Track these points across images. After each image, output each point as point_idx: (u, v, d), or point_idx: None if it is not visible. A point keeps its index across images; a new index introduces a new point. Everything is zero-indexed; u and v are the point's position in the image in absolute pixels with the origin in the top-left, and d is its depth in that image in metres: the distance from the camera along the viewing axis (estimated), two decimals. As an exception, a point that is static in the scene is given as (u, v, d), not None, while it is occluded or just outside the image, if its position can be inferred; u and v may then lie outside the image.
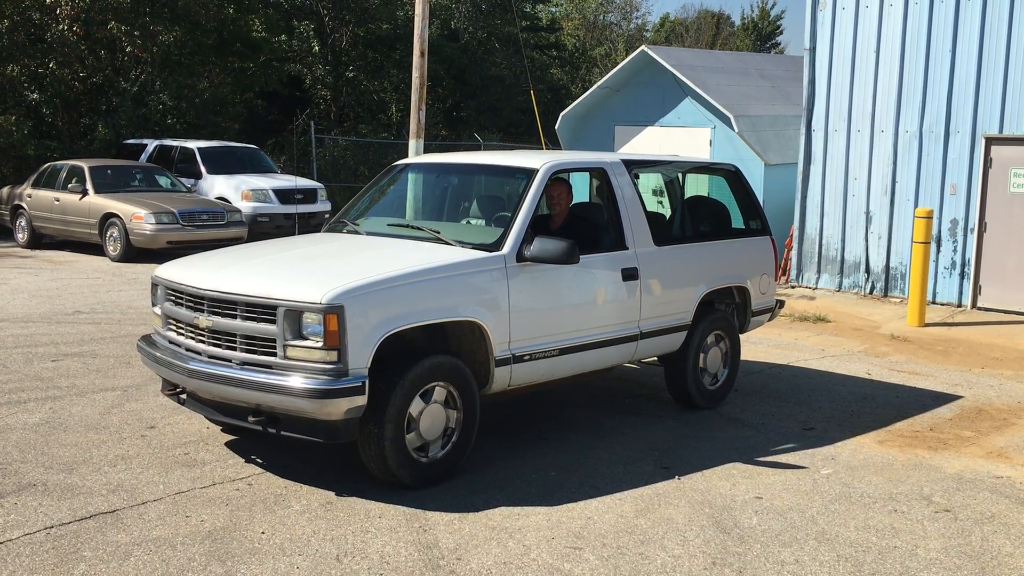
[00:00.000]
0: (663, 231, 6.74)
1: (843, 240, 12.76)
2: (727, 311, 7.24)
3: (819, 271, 13.02)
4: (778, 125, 15.11)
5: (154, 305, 5.70)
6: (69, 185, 15.14)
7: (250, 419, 4.98)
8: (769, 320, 7.76)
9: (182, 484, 5.13)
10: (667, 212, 7.78)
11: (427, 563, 4.26)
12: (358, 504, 4.91)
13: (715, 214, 7.48)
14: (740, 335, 7.35)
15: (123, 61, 21.60)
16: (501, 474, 5.46)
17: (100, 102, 21.12)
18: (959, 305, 11.76)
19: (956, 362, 8.91)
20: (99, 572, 4.06)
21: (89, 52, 21.08)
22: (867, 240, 12.53)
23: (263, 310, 4.87)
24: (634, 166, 6.64)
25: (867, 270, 12.57)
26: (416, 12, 12.88)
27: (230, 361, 5.01)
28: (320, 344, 4.70)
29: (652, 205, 7.84)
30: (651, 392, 7.47)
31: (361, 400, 4.75)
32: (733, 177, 7.58)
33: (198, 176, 16.87)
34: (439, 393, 5.16)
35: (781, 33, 52.78)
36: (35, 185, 15.88)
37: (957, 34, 11.57)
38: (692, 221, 7.23)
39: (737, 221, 7.56)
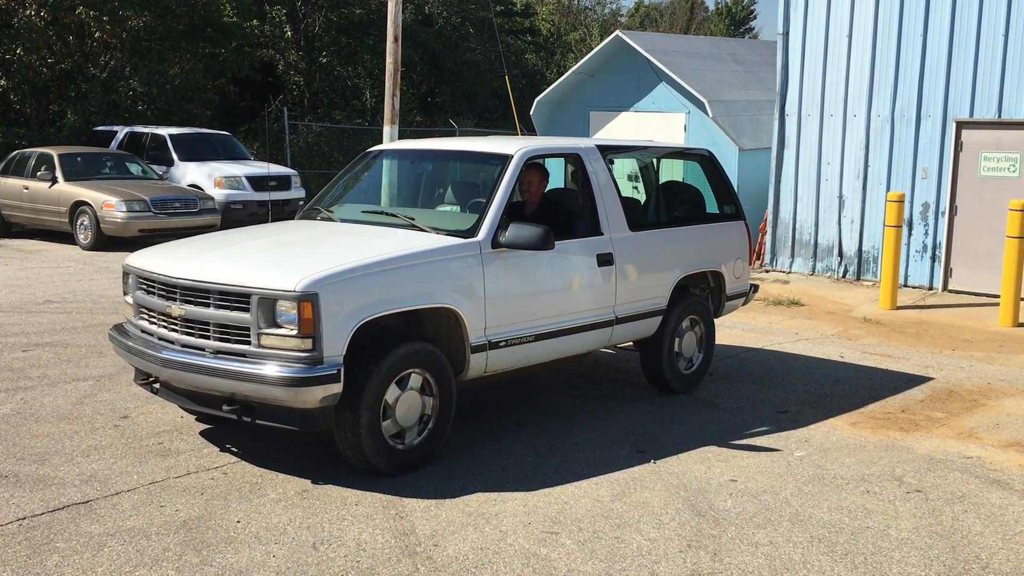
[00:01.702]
0: (638, 216, 6.75)
1: (816, 224, 12.85)
2: (702, 296, 7.26)
3: (793, 255, 13.10)
4: (752, 110, 15.16)
5: (125, 294, 5.63)
6: (38, 173, 14.95)
7: (224, 408, 4.95)
8: (743, 304, 7.80)
9: (156, 474, 5.10)
10: (642, 198, 7.80)
11: (403, 550, 4.26)
12: (334, 492, 4.90)
13: (689, 199, 7.49)
14: (715, 319, 7.37)
15: (92, 47, 21.31)
16: (478, 460, 5.47)
17: (69, 88, 20.85)
18: (930, 288, 11.88)
19: (927, 344, 9.01)
20: (73, 563, 4.03)
21: (57, 38, 20.78)
22: (840, 224, 12.62)
23: (237, 298, 4.83)
24: (609, 152, 6.64)
25: (840, 254, 12.67)
26: (389, -3, 12.78)
27: (203, 350, 4.96)
28: (295, 332, 4.67)
29: (628, 191, 7.83)
30: (628, 377, 7.50)
31: (336, 388, 4.73)
32: (707, 162, 7.58)
33: (170, 163, 16.70)
34: (415, 380, 5.14)
35: (755, 18, 53.00)
36: (3, 173, 15.67)
37: (928, 19, 11.64)
38: (666, 206, 7.24)
39: (711, 206, 7.57)
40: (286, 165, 19.98)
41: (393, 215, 5.92)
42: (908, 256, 11.92)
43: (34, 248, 14.42)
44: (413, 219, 5.74)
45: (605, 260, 6.17)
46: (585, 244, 6.11)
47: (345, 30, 29.03)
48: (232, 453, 5.47)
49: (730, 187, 7.61)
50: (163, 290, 5.19)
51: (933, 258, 11.86)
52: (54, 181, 14.66)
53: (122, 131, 17.86)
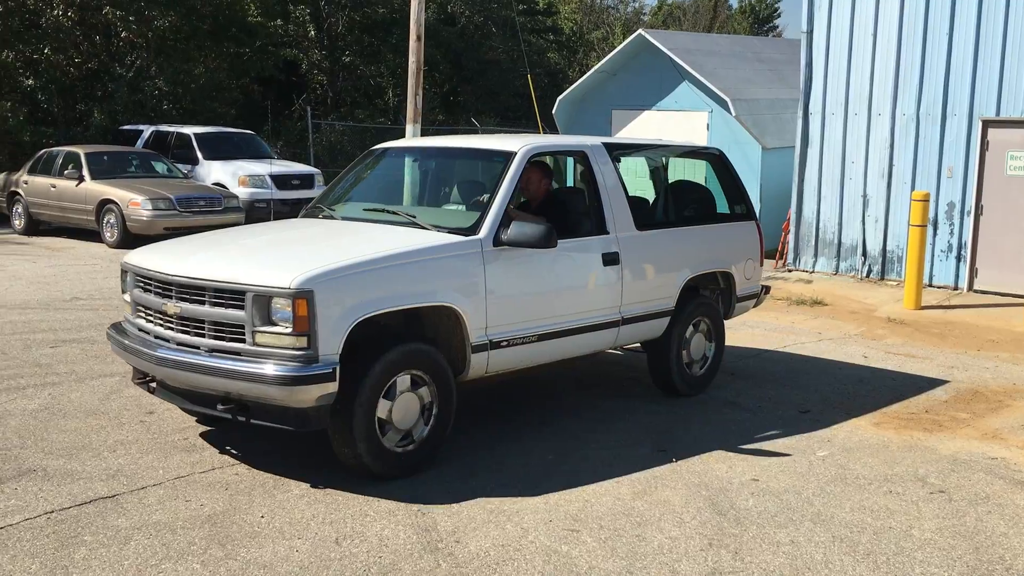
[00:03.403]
0: (646, 215, 6.66)
1: (840, 223, 12.77)
2: (711, 297, 7.16)
3: (816, 254, 13.03)
4: (775, 108, 15.09)
5: (124, 292, 5.59)
6: (65, 171, 15.12)
7: (219, 407, 4.89)
8: (755, 306, 7.70)
9: (181, 469, 5.16)
10: (651, 197, 7.68)
11: (425, 546, 4.29)
12: (357, 488, 4.93)
13: (699, 199, 7.39)
14: (725, 321, 7.27)
15: (118, 47, 21.52)
16: (499, 458, 5.49)
17: (96, 88, 21.06)
18: (955, 288, 11.78)
19: (952, 344, 8.94)
20: (100, 556, 4.09)
21: (84, 38, 21.00)
22: (864, 223, 12.55)
23: (231, 296, 4.78)
24: (616, 150, 6.54)
25: (864, 253, 12.59)
26: (412, -4, 12.83)
27: (199, 348, 4.91)
28: (289, 330, 4.61)
29: (641, 189, 7.76)
30: (649, 376, 7.48)
31: (332, 387, 4.67)
32: (717, 161, 7.48)
33: (195, 162, 16.84)
34: (412, 381, 5.06)
35: (779, 16, 52.69)
36: (31, 171, 15.86)
37: (954, 17, 11.54)
38: (676, 206, 7.14)
39: (722, 206, 7.47)
40: (309, 164, 20.09)
41: (394, 213, 5.84)
42: (933, 256, 11.82)
43: (61, 246, 14.59)
44: (414, 217, 5.69)
45: (611, 259, 6.09)
46: (590, 243, 6.04)
47: (368, 29, 29.12)
48: (256, 449, 5.52)
49: (741, 186, 7.51)
50: (159, 288, 5.14)
51: (958, 258, 11.76)
52: (81, 180, 14.82)
53: (148, 130, 18.02)
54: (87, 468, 5.13)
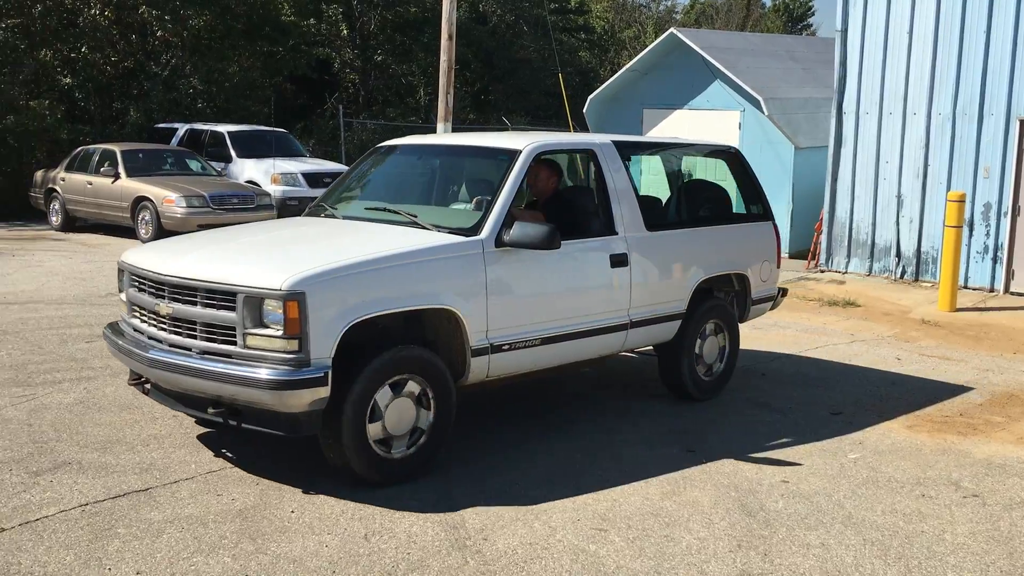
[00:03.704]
0: (657, 216, 6.51)
1: (874, 224, 12.64)
2: (726, 299, 7.00)
3: (849, 255, 12.91)
4: (808, 108, 14.96)
5: (120, 291, 5.53)
6: (102, 169, 15.32)
7: (210, 411, 4.79)
8: (771, 308, 7.50)
9: (213, 464, 5.21)
10: (665, 196, 7.50)
11: (453, 543, 4.30)
12: (386, 485, 4.95)
13: (714, 198, 7.20)
14: (740, 324, 7.11)
15: (154, 45, 21.78)
16: (527, 457, 5.49)
17: (131, 86, 21.32)
18: (991, 290, 11.61)
19: (987, 347, 8.82)
20: (133, 548, 4.15)
21: (120, 36, 21.27)
22: (898, 224, 12.40)
23: (223, 296, 4.66)
24: (626, 148, 6.39)
25: (898, 254, 12.45)
26: (444, -5, 12.87)
27: (190, 350, 4.80)
28: (280, 332, 4.49)
29: (655, 188, 7.65)
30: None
31: (324, 392, 4.54)
32: (733, 160, 7.31)
33: (228, 160, 17.00)
34: (408, 385, 4.92)
35: (813, 14, 52.19)
36: (68, 169, 16.09)
37: (992, 15, 11.37)
38: (689, 205, 6.99)
39: (738, 206, 7.31)
40: (341, 162, 20.21)
41: (395, 212, 5.68)
42: (968, 257, 11.66)
43: (97, 242, 14.79)
44: (415, 216, 5.54)
45: (619, 261, 5.93)
46: (597, 244, 5.89)
47: (400, 28, 29.24)
48: (287, 445, 5.56)
49: (758, 186, 7.32)
50: (153, 287, 5.04)
51: (995, 259, 11.59)
52: (117, 177, 15.01)
53: (182, 128, 18.22)
54: (121, 461, 5.20)
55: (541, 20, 29.86)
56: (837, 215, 12.98)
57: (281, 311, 4.48)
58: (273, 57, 24.45)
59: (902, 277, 12.42)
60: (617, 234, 5.99)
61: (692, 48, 15.17)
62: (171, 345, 4.91)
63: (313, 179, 16.42)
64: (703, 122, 15.31)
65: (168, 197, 14.20)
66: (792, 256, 14.15)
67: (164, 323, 4.96)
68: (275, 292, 4.50)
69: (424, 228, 5.38)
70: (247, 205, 14.81)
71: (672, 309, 6.37)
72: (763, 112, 14.17)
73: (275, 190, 16.00)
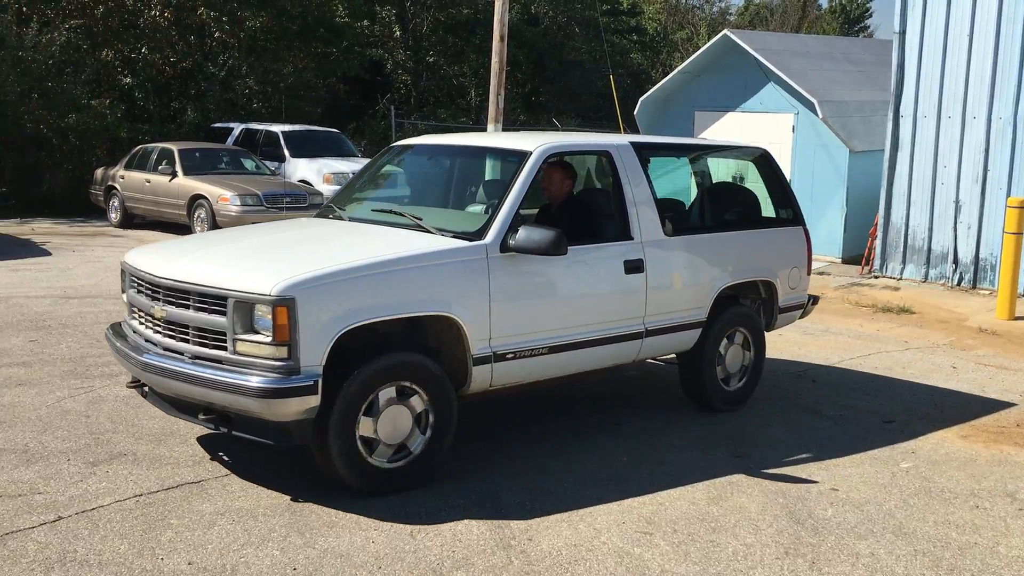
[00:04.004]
0: (678, 220, 6.28)
1: (930, 229, 12.40)
2: (752, 307, 6.74)
3: (904, 261, 12.68)
4: (865, 111, 14.72)
5: (123, 292, 5.48)
6: (159, 167, 15.63)
7: (200, 417, 4.70)
8: (801, 317, 7.22)
9: (264, 458, 5.29)
10: (689, 200, 7.29)
11: (498, 542, 4.32)
12: (432, 483, 4.98)
13: (741, 202, 6.95)
14: (766, 333, 6.85)
15: (211, 46, 22.17)
16: (573, 457, 5.49)
17: (189, 86, 21.73)
18: (1052, 298, 11.32)
19: (1047, 357, 8.61)
20: (185, 539, 4.23)
21: (179, 37, 21.70)
22: (955, 230, 12.15)
23: (214, 301, 4.55)
24: (646, 150, 6.14)
25: (955, 261, 12.19)
26: (496, -3, 12.92)
27: (183, 354, 4.70)
28: (269, 339, 4.37)
29: (679, 191, 7.43)
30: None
31: (313, 401, 4.42)
32: (762, 161, 7.05)
33: (282, 159, 17.24)
34: (403, 393, 4.77)
35: (870, 16, 51.41)
36: (127, 167, 16.44)
37: (1057, 16, 11.10)
38: (713, 209, 6.77)
39: (767, 210, 7.01)
40: (392, 162, 20.32)
41: (400, 214, 5.53)
42: (1029, 264, 11.37)
43: (154, 239, 15.09)
44: (420, 219, 5.36)
45: (634, 267, 5.70)
46: (611, 249, 5.68)
47: (452, 29, 29.41)
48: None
49: (788, 189, 7.07)
50: (149, 289, 4.96)
51: (1056, 267, 11.29)
52: (174, 175, 15.31)
53: (238, 128, 18.52)
54: (174, 454, 5.30)
55: (593, 22, 29.81)
56: (892, 220, 12.76)
57: (270, 317, 4.35)
58: (327, 58, 24.75)
59: (959, 284, 12.16)
60: (632, 239, 5.76)
61: (745, 50, 15.03)
62: (164, 349, 4.81)
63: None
64: (756, 125, 15.15)
65: (223, 195, 14.44)
66: (845, 261, 13.95)
67: (159, 326, 4.87)
68: (264, 297, 4.37)
69: (428, 232, 5.22)
70: (300, 204, 15.00)
71: (692, 317, 6.12)
72: (818, 115, 13.98)
73: (327, 189, 16.18)
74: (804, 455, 5.68)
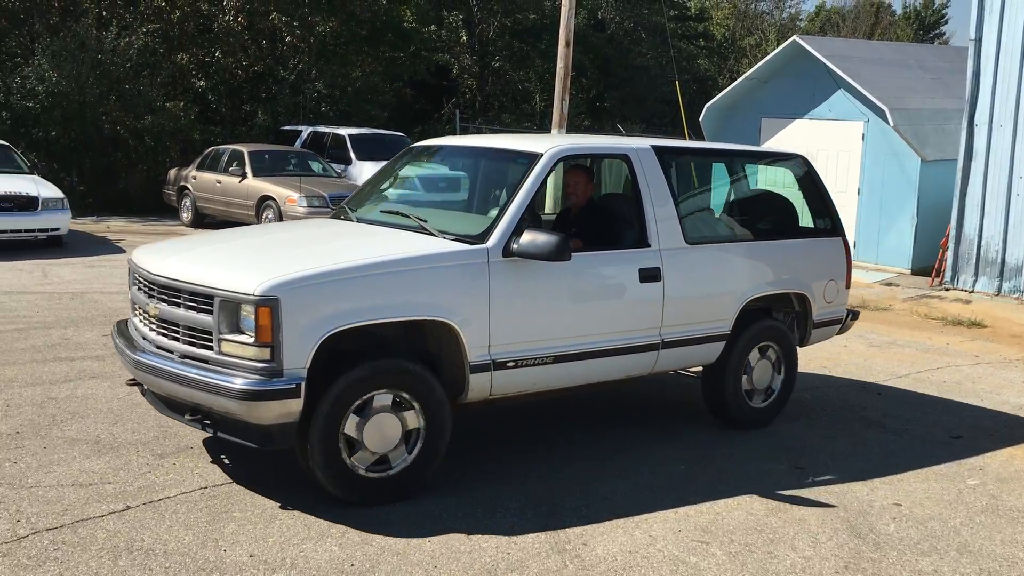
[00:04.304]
0: (702, 228, 6.09)
1: (1005, 241, 12.05)
2: (784, 320, 6.49)
3: (976, 274, 12.35)
4: (938, 119, 14.39)
5: (129, 288, 5.43)
6: (230, 168, 15.98)
7: (187, 417, 4.64)
8: (839, 333, 6.89)
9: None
10: (718, 208, 6.97)
11: (553, 546, 4.33)
12: (488, 486, 5.03)
13: (775, 210, 6.69)
14: (801, 348, 6.59)
15: (282, 51, 22.61)
16: (630, 464, 5.47)
17: (260, 89, 22.19)
18: None
19: None
20: (247, 532, 4.33)
21: (252, 42, 22.18)
22: (1031, 242, 11.80)
23: (203, 299, 4.48)
24: (669, 155, 5.91)
25: (1030, 274, 11.84)
26: (563, 2, 12.94)
27: (172, 353, 4.65)
28: (252, 340, 4.28)
29: (711, 198, 6.89)
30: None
31: (295, 405, 4.31)
32: (800, 168, 6.77)
33: (348, 162, 17.48)
34: (391, 400, 4.62)
35: (946, 23, 50.24)
36: (199, 168, 16.85)
37: None
38: (742, 217, 6.53)
39: (804, 219, 6.75)
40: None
41: (406, 216, 5.39)
42: (1109, 279, 11.00)
43: (223, 238, 15.41)
44: (425, 221, 5.20)
45: (650, 276, 5.47)
46: (625, 257, 5.48)
47: (518, 35, 29.53)
48: (394, 440, 5.69)
49: (827, 198, 6.76)
50: (146, 287, 4.92)
51: None
52: (244, 176, 15.64)
53: (306, 130, 18.84)
54: (239, 449, 5.41)
55: (660, 27, 29.65)
56: (965, 231, 12.44)
57: (254, 317, 4.26)
58: (394, 62, 25.05)
59: (1034, 298, 11.81)
60: (650, 247, 5.54)
61: (815, 56, 14.80)
62: (157, 347, 4.76)
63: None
64: (824, 132, 14.92)
65: (291, 197, 14.70)
66: (915, 273, 13.65)
67: (154, 324, 4.82)
68: (248, 297, 4.28)
69: (430, 234, 5.07)
70: (364, 206, 15.18)
71: (714, 329, 5.87)
72: (888, 123, 13.70)
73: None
74: (867, 469, 5.57)
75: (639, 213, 5.59)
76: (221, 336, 4.39)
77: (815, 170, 6.83)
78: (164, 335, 4.73)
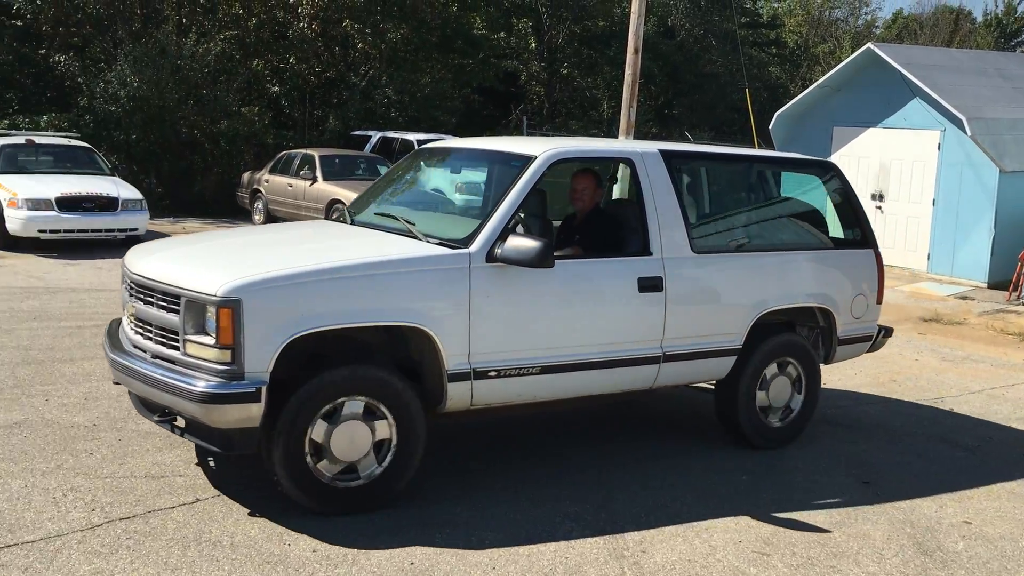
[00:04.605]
0: (714, 236, 5.86)
1: (1087, 256, 11.65)
2: (808, 336, 6.22)
3: (1057, 288, 11.95)
4: (1018, 129, 13.98)
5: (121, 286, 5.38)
6: (301, 172, 16.29)
7: (156, 418, 4.61)
8: (870, 351, 6.54)
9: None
10: (737, 215, 6.50)
11: (612, 552, 4.33)
12: (546, 490, 5.04)
13: (798, 219, 6.41)
14: (825, 365, 6.27)
15: (354, 57, 22.97)
16: (692, 472, 5.44)
17: (332, 95, 22.58)
18: None
19: None
20: (311, 527, 4.41)
21: (325, 48, 22.59)
22: (1116, 257, 11.39)
23: (172, 299, 4.41)
24: (678, 159, 5.65)
25: (1114, 290, 11.42)
26: (632, 9, 12.92)
27: (146, 353, 4.59)
28: (213, 341, 4.19)
29: (729, 206, 6.54)
30: (855, 404, 7.17)
31: (255, 409, 4.19)
32: (829, 176, 6.47)
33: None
34: (362, 408, 4.49)
35: (1030, 29, 48.57)
36: (272, 171, 17.21)
37: None
38: (762, 226, 6.22)
39: (834, 229, 6.45)
40: (523, 172, 20.51)
41: (396, 219, 5.25)
42: None
43: (293, 241, 15.70)
44: (413, 224, 5.06)
45: (651, 285, 5.23)
46: (622, 265, 5.26)
47: (587, 42, 29.54)
48: (452, 450, 5.74)
49: (858, 208, 6.42)
50: (129, 285, 4.89)
51: None
52: (314, 180, 15.92)
53: (375, 136, 19.10)
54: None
55: (731, 34, 29.36)
56: (1045, 245, 12.05)
57: (215, 318, 4.18)
58: (463, 69, 25.26)
59: (1118, 315, 11.38)
60: (651, 255, 5.30)
61: (890, 64, 14.51)
62: (134, 346, 4.70)
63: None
64: (898, 142, 14.62)
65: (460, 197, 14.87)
66: (991, 286, 13.26)
67: (132, 323, 4.79)
68: (211, 298, 4.19)
69: (415, 237, 4.92)
70: (431, 211, 15.33)
71: (722, 343, 5.60)
72: (966, 133, 13.36)
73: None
74: (936, 485, 5.45)
75: (642, 220, 5.36)
76: (186, 337, 4.31)
77: (845, 178, 6.55)
78: (140, 334, 4.68)
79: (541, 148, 5.20)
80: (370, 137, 19.17)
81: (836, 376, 7.79)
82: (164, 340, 4.47)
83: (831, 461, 5.80)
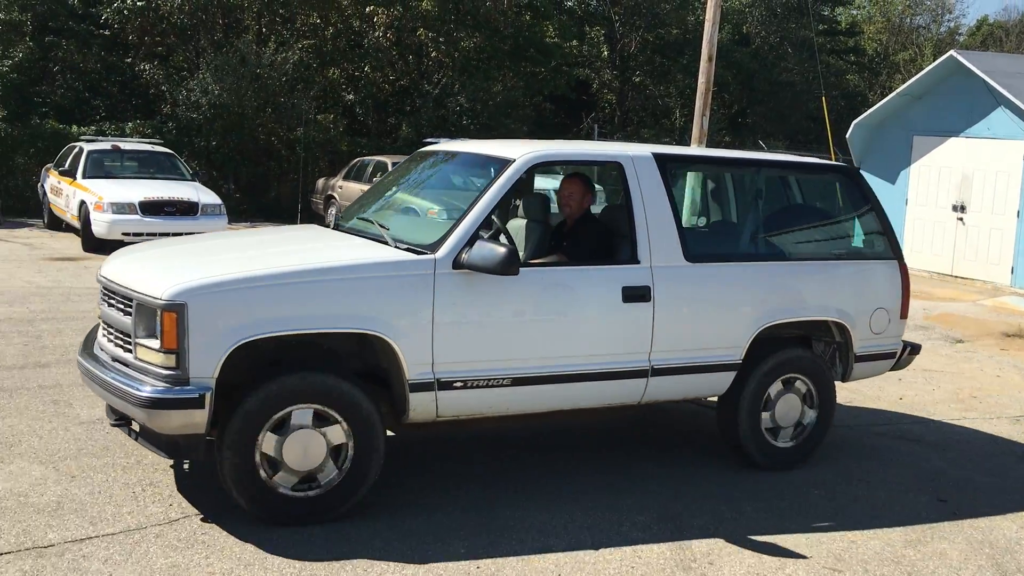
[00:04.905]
0: (712, 244, 5.64)
1: None
2: (822, 352, 5.87)
3: None
4: (1109, 139, 13.48)
5: None
6: (374, 179, 16.53)
7: (111, 422, 4.62)
8: (893, 369, 6.10)
9: (455, 460, 5.51)
10: (743, 222, 6.17)
11: (678, 563, 4.30)
12: (613, 498, 5.02)
13: (812, 228, 6.08)
14: (843, 383, 5.91)
15: (427, 65, 23.27)
16: (762, 486, 5.36)
17: (405, 103, 22.89)
18: None
19: None
20: (375, 530, 4.48)
21: (399, 57, 22.92)
22: None
23: (127, 302, 4.37)
24: (672, 163, 5.42)
25: None
26: (707, 17, 12.83)
27: (107, 355, 4.56)
28: (158, 345, 4.13)
29: (738, 213, 6.18)
30: (932, 419, 6.98)
31: (199, 415, 4.10)
32: (848, 182, 6.10)
33: (487, 175, 17.75)
34: (317, 417, 4.37)
35: (1124, 36, 46.73)
36: (345, 178, 17.52)
37: None
38: (770, 234, 5.86)
39: (852, 239, 6.15)
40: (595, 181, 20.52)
41: (371, 223, 5.16)
42: None
43: (365, 246, 15.92)
44: (387, 229, 4.95)
45: (637, 295, 4.97)
46: (604, 273, 5.00)
47: (660, 50, 29.39)
48: (515, 450, 5.77)
49: (882, 216, 5.98)
50: (101, 288, 4.85)
51: None
52: (386, 187, 16.16)
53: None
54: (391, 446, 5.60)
55: (807, 42, 28.90)
56: None
57: (160, 322, 4.12)
58: (535, 77, 25.37)
59: None
60: (639, 263, 5.04)
61: (973, 72, 14.13)
62: (100, 348, 4.67)
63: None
64: (981, 152, 14.21)
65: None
66: (1079, 302, 12.79)
67: (102, 325, 4.76)
68: (157, 301, 4.13)
69: (383, 243, 4.80)
70: (501, 218, 15.40)
71: (719, 357, 5.30)
72: (1053, 142, 12.94)
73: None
74: (1016, 504, 5.28)
75: (630, 226, 5.10)
76: (137, 340, 4.25)
77: (867, 184, 6.18)
78: (105, 337, 4.65)
79: (522, 151, 5.03)
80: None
81: (913, 391, 7.60)
82: (122, 343, 4.43)
83: (906, 477, 5.66)
